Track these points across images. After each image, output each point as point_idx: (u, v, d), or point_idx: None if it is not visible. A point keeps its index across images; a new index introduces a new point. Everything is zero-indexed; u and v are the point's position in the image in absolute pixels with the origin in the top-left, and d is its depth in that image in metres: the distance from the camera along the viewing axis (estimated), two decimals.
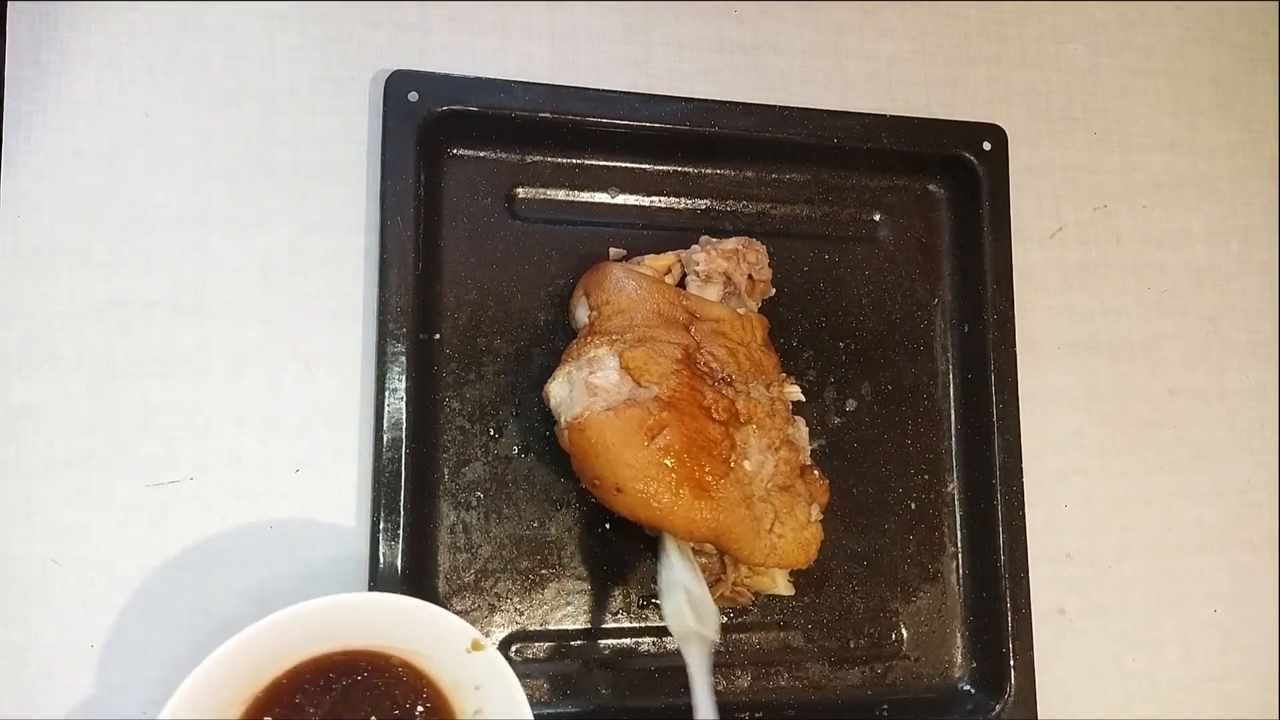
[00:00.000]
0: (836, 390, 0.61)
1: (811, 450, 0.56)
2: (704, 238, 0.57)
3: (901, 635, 0.60)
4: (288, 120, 0.56)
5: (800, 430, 0.55)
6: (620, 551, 0.56)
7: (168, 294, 0.53)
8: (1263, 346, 0.70)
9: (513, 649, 0.54)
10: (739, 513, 0.50)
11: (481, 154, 0.58)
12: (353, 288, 0.55)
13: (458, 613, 0.51)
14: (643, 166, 0.60)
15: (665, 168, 0.60)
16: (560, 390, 0.51)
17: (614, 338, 0.51)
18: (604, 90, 0.58)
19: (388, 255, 0.53)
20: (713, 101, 0.60)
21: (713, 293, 0.55)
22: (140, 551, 0.50)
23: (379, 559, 0.50)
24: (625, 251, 0.57)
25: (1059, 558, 0.63)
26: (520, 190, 0.58)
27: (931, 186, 0.64)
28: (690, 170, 0.61)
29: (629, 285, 0.53)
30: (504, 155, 0.58)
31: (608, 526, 0.56)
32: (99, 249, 0.52)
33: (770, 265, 0.58)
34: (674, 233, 0.60)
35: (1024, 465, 0.60)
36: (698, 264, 0.55)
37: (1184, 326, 0.68)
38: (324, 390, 0.54)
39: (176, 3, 0.55)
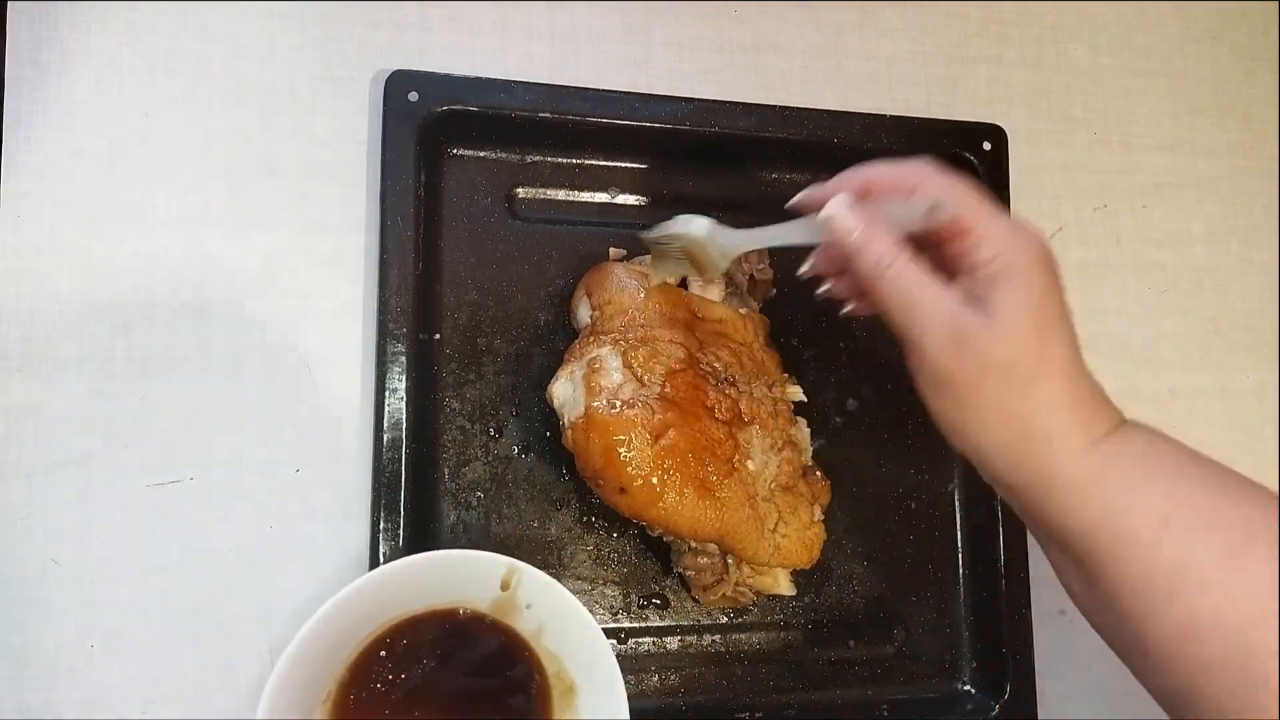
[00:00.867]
0: (837, 390, 0.61)
1: (812, 450, 0.56)
2: None
3: (902, 635, 0.60)
4: (288, 120, 0.56)
5: (802, 431, 0.55)
6: (621, 552, 0.56)
7: (168, 294, 0.53)
8: (1263, 346, 0.70)
9: None
10: (743, 513, 0.50)
11: (481, 154, 0.58)
12: (353, 288, 0.55)
13: None
14: (643, 166, 0.60)
15: (665, 168, 0.60)
16: (563, 390, 0.51)
17: (616, 337, 0.51)
18: (604, 90, 0.58)
19: (388, 255, 0.53)
20: (713, 101, 0.59)
21: (715, 293, 0.55)
22: (140, 551, 0.50)
23: (379, 559, 0.50)
24: (625, 251, 0.57)
25: None
26: (520, 190, 0.58)
27: None
28: (690, 170, 0.61)
29: (631, 285, 0.53)
30: (504, 155, 0.58)
31: (608, 526, 0.56)
32: (99, 249, 0.52)
33: (770, 265, 0.58)
34: None
35: None
36: None
37: (1184, 326, 0.68)
38: (324, 390, 0.54)
39: (176, 3, 0.55)
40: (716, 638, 0.57)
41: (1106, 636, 0.43)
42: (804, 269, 0.49)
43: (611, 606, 0.56)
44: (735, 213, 0.61)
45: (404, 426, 0.52)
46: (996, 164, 0.63)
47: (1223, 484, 0.40)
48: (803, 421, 0.56)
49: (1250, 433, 0.68)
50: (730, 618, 0.57)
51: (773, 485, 0.52)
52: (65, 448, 0.50)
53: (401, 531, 0.51)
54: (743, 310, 0.56)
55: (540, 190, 0.59)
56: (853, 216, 0.43)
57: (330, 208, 0.55)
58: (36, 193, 0.52)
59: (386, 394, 0.52)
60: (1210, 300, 0.69)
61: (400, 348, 0.52)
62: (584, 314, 0.54)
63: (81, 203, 0.52)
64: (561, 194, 0.59)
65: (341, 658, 0.45)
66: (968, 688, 0.60)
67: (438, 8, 0.59)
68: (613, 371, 0.50)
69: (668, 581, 0.57)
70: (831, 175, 0.43)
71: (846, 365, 0.61)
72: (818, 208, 0.45)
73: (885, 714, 0.58)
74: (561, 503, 0.56)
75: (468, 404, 0.55)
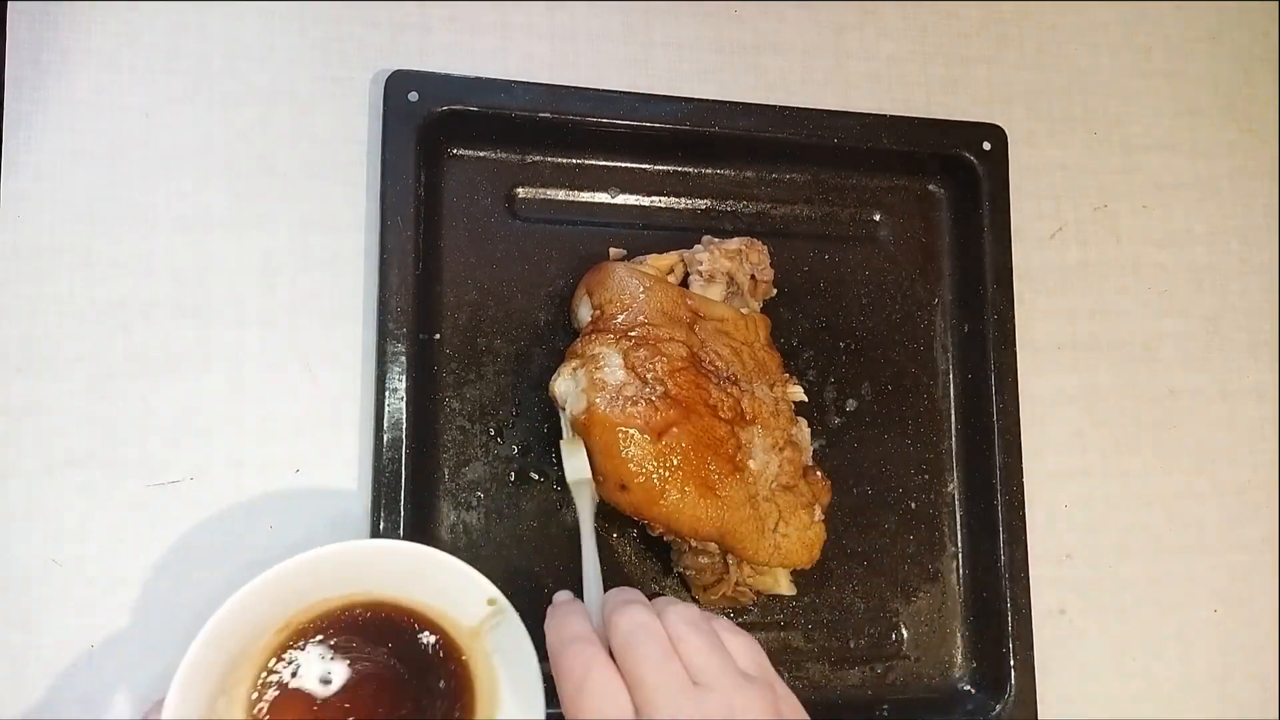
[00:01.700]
0: (836, 390, 0.61)
1: (812, 450, 0.56)
2: (707, 238, 0.57)
3: (901, 635, 0.60)
4: (288, 120, 0.56)
5: (803, 430, 0.55)
6: (621, 551, 0.56)
7: (168, 294, 0.53)
8: (1263, 346, 0.70)
9: None
10: (744, 512, 0.50)
11: (481, 154, 0.58)
12: (353, 288, 0.55)
13: None
14: (643, 166, 0.60)
15: (665, 168, 0.60)
16: (565, 386, 0.51)
17: (618, 335, 0.51)
18: (604, 90, 0.58)
19: (388, 255, 0.53)
20: (713, 101, 0.60)
21: (716, 292, 0.55)
22: (140, 551, 0.50)
23: None
24: (625, 251, 0.57)
25: (1059, 558, 0.63)
26: (520, 190, 0.58)
27: (931, 186, 0.64)
28: (690, 170, 0.61)
29: (633, 284, 0.53)
30: (504, 155, 0.58)
31: (609, 526, 0.56)
32: (99, 249, 0.52)
33: (771, 265, 0.58)
34: (674, 233, 0.60)
35: (1024, 465, 0.60)
36: (701, 264, 0.55)
37: (1184, 326, 0.68)
38: (324, 390, 0.54)
39: (176, 3, 0.55)
40: None
41: None
42: None
43: None
44: (735, 212, 0.61)
45: (404, 426, 0.52)
46: (996, 164, 0.63)
47: None
48: (803, 421, 0.56)
49: (1250, 433, 0.68)
50: (730, 618, 0.57)
51: (773, 485, 0.52)
52: (65, 448, 0.50)
53: (401, 531, 0.51)
54: (743, 310, 0.56)
55: (540, 190, 0.59)
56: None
57: (330, 208, 0.55)
58: (36, 193, 0.52)
59: (386, 394, 0.52)
60: (1210, 300, 0.69)
61: (400, 348, 0.52)
62: (585, 313, 0.54)
63: (81, 203, 0.52)
64: (561, 194, 0.59)
65: (262, 644, 0.43)
66: (968, 688, 0.60)
67: (438, 8, 0.59)
68: (615, 369, 0.50)
69: (668, 581, 0.57)
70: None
71: (846, 365, 0.61)
72: None
73: (885, 714, 0.58)
74: (562, 502, 0.56)
75: (468, 404, 0.55)
